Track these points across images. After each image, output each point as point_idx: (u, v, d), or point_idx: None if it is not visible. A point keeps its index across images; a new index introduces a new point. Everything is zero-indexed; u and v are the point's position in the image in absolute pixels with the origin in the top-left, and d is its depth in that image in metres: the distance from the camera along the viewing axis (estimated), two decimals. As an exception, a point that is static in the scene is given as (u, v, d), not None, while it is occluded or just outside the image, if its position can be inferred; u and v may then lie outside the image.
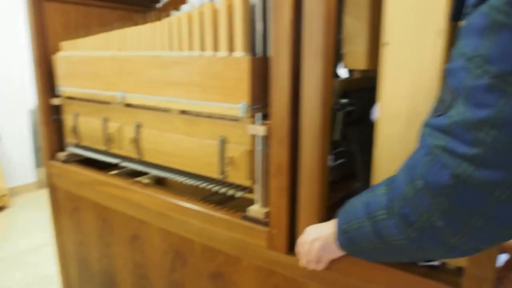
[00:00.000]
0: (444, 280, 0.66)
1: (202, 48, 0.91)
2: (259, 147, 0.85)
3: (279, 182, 0.81)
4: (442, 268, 0.69)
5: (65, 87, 1.31)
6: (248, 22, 0.84)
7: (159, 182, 1.36)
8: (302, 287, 0.83)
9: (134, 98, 1.08)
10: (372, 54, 0.83)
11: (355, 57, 0.84)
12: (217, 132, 0.92)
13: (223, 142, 0.91)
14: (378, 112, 0.93)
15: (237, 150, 0.89)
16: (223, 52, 0.87)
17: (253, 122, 0.85)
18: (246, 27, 0.84)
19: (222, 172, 0.93)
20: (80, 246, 1.41)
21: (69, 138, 1.37)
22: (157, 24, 0.99)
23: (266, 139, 0.84)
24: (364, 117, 0.91)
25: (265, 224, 0.86)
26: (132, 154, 1.14)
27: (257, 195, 0.89)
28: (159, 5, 1.68)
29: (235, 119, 0.88)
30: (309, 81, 0.72)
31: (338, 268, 0.76)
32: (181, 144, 1.00)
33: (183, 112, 0.98)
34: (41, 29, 1.32)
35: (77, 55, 1.24)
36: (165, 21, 0.97)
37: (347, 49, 0.84)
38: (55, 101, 1.35)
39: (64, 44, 1.32)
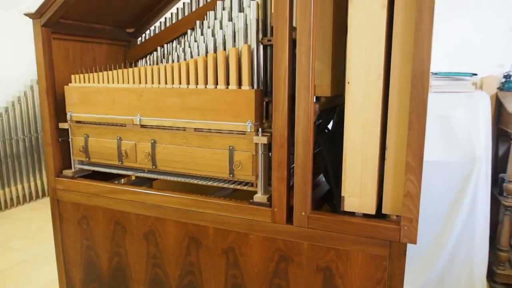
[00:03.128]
0: (387, 223, 1.08)
1: (215, 83, 1.27)
2: (260, 152, 1.23)
3: (280, 174, 1.18)
4: (387, 217, 1.11)
5: (76, 113, 1.56)
6: (251, 64, 1.22)
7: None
8: (298, 246, 1.20)
9: (151, 120, 1.39)
10: (333, 86, 1.26)
11: (323, 88, 1.25)
12: (226, 143, 1.27)
13: (233, 150, 1.26)
14: (331, 125, 1.36)
15: (243, 155, 1.25)
16: (233, 86, 1.23)
17: (257, 134, 1.22)
18: (250, 68, 1.22)
19: (232, 172, 1.28)
20: (87, 250, 1.64)
21: (77, 157, 1.60)
22: (175, 64, 1.32)
23: (266, 146, 1.22)
24: (328, 128, 1.33)
25: (268, 205, 1.23)
26: (147, 165, 1.44)
27: (259, 187, 1.26)
28: (139, 41, 1.98)
29: (242, 133, 1.24)
30: (300, 105, 1.12)
31: (322, 227, 1.15)
32: (194, 154, 1.33)
33: (196, 129, 1.32)
34: (50, 63, 1.56)
35: (92, 86, 1.50)
36: (183, 63, 1.30)
37: (317, 82, 1.25)
38: (64, 125, 1.59)
39: (75, 76, 1.57)
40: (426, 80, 0.97)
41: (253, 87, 1.24)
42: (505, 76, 2.46)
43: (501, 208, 2.26)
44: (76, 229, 1.65)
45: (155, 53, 1.66)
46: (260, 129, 1.21)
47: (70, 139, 1.60)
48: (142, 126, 1.42)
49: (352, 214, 1.14)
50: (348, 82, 1.09)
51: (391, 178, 1.07)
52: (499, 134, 2.50)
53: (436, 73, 2.39)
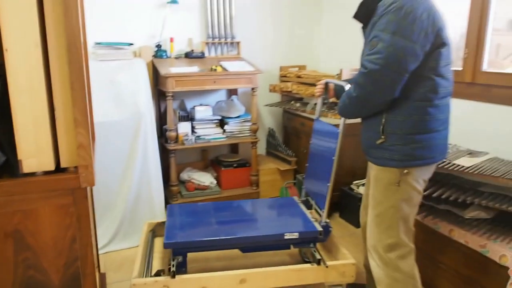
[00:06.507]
0: (67, 175, 1.23)
1: None
2: None
3: None
4: (66, 170, 1.25)
5: None
6: None
7: None
8: None
9: None
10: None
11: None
12: None
13: None
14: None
15: None
16: None
17: None
18: None
19: None
20: None
21: None
22: None
23: None
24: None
25: None
26: None
27: None
28: None
29: None
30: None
31: (3, 193, 1.18)
32: None
33: None
34: None
35: None
36: None
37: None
38: None
39: None
40: (79, 47, 1.14)
41: None
42: (157, 46, 2.94)
43: (169, 153, 2.78)
44: None
45: None
46: None
47: None
48: None
49: (33, 174, 1.21)
50: (6, 50, 1.12)
51: (63, 135, 1.20)
52: (159, 94, 3.00)
53: (99, 43, 2.60)
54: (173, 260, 1.80)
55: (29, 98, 1.16)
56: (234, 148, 3.36)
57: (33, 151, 1.19)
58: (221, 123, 2.98)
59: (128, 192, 2.39)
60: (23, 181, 1.19)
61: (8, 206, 1.19)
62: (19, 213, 1.20)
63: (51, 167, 1.22)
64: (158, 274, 1.84)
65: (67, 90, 1.18)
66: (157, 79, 2.93)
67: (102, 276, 1.96)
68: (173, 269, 1.77)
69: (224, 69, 2.83)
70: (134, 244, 2.43)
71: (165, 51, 2.94)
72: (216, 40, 3.11)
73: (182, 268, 1.82)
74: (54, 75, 1.18)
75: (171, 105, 2.66)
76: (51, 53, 1.16)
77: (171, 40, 2.96)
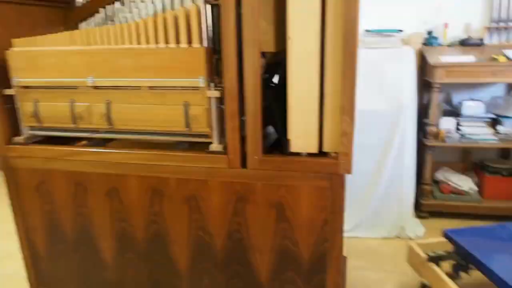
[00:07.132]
0: (328, 159, 1.25)
1: (166, 42, 1.34)
2: (214, 105, 1.34)
3: (233, 123, 1.31)
4: (327, 154, 1.29)
5: (23, 78, 1.55)
6: (200, 23, 1.30)
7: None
8: (253, 186, 1.35)
9: (105, 81, 1.44)
10: (276, 41, 1.38)
11: (267, 44, 1.37)
12: (181, 99, 1.37)
13: (187, 105, 1.36)
14: (276, 79, 1.49)
15: (198, 109, 1.35)
16: (184, 45, 1.32)
17: (209, 89, 1.32)
18: (199, 27, 1.30)
19: (188, 126, 1.38)
20: (48, 214, 1.68)
21: (27, 123, 1.61)
22: (125, 25, 1.37)
23: (218, 99, 1.33)
24: (274, 82, 1.46)
25: (224, 153, 1.36)
26: (103, 126, 1.49)
27: (214, 137, 1.38)
28: (79, 3, 1.95)
29: (195, 89, 1.34)
30: (248, 60, 1.23)
31: (273, 167, 1.30)
32: (151, 111, 1.41)
33: (151, 87, 1.39)
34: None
35: (40, 50, 1.50)
36: (132, 24, 1.36)
37: (262, 39, 1.37)
38: (10, 91, 1.57)
39: (17, 40, 1.56)
40: (355, 36, 1.13)
41: (202, 45, 1.33)
42: (428, 32, 2.72)
43: (426, 150, 2.57)
44: (35, 194, 1.68)
45: (97, 14, 1.66)
46: (212, 84, 1.32)
47: (17, 105, 1.59)
48: (96, 87, 1.47)
49: (298, 154, 1.30)
50: (289, 38, 1.22)
51: (329, 120, 1.23)
52: (423, 84, 2.79)
53: (368, 30, 2.59)
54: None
55: (304, 83, 1.23)
56: (505, 153, 2.82)
57: (301, 132, 1.27)
58: (494, 122, 2.53)
59: (378, 184, 2.34)
60: (290, 159, 1.29)
61: (276, 179, 1.32)
62: (283, 188, 1.32)
63: (315, 149, 1.27)
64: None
65: (338, 78, 1.20)
66: (423, 69, 2.72)
67: (344, 260, 1.99)
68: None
69: (509, 59, 2.37)
70: (372, 235, 2.39)
71: (436, 38, 2.68)
72: (502, 25, 2.63)
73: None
74: (328, 63, 1.21)
75: (436, 98, 2.43)
76: (328, 41, 1.19)
77: (445, 26, 2.68)
